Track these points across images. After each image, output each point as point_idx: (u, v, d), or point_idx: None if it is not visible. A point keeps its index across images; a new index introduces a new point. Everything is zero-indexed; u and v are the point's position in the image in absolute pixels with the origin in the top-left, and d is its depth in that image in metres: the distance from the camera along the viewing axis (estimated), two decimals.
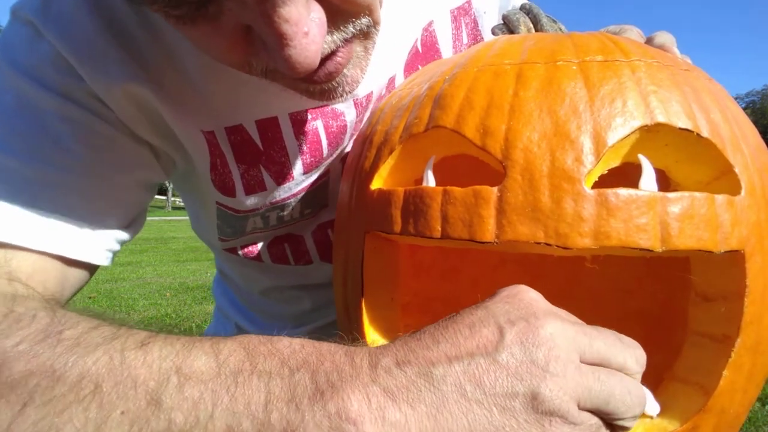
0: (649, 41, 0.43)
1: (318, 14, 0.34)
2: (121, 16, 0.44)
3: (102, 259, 0.47)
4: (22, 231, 0.41)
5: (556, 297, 0.55)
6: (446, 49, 0.60)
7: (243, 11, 0.33)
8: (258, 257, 0.63)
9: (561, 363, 0.27)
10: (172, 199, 31.40)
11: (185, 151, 0.52)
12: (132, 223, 0.52)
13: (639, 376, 0.30)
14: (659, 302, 0.49)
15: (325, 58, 0.37)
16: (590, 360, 0.28)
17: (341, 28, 0.37)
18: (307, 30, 0.32)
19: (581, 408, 0.27)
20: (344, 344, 0.31)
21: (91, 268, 0.47)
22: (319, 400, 0.26)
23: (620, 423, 0.28)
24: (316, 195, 0.58)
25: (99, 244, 0.46)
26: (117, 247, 0.49)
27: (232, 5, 0.32)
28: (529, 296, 0.31)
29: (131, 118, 0.46)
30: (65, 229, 0.43)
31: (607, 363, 0.29)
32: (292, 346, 0.29)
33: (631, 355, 0.30)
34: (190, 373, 0.27)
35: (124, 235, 0.50)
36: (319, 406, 0.26)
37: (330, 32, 0.36)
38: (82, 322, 0.32)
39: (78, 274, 0.46)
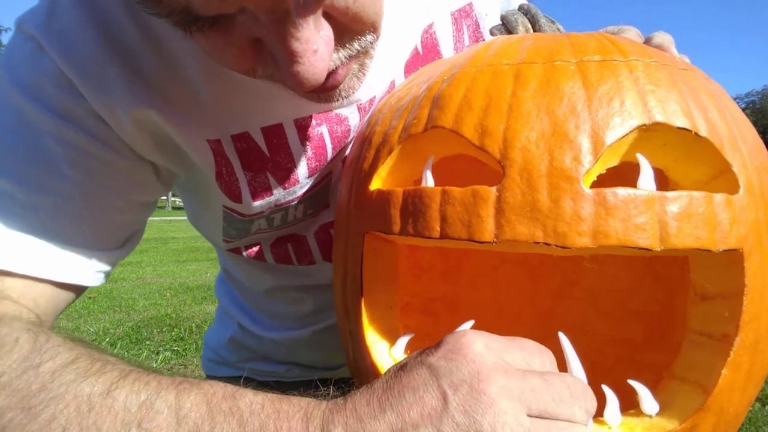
0: (647, 41, 0.43)
1: (327, 32, 0.35)
2: (124, 30, 0.44)
3: (93, 280, 0.48)
4: (13, 256, 0.42)
5: (556, 297, 0.55)
6: (447, 51, 0.60)
7: (255, 26, 0.34)
8: (262, 257, 0.63)
9: (508, 428, 0.27)
10: (173, 199, 31.39)
11: (191, 162, 0.52)
12: (127, 242, 0.52)
13: (588, 421, 0.30)
14: (658, 301, 0.49)
15: (327, 74, 0.38)
16: (538, 414, 0.28)
17: (347, 45, 0.38)
18: (316, 48, 0.34)
19: None
20: (307, 399, 0.31)
21: (83, 288, 0.48)
22: None
23: None
24: (318, 196, 0.58)
25: (90, 267, 0.47)
26: (109, 267, 0.50)
27: (244, 19, 0.33)
28: (473, 350, 0.29)
29: (133, 137, 0.46)
30: (56, 253, 0.44)
31: (555, 417, 0.28)
32: (253, 406, 0.30)
33: (580, 406, 0.29)
34: (150, 427, 0.29)
35: (117, 255, 0.50)
36: None
37: (336, 49, 0.37)
38: (60, 353, 0.34)
39: (69, 294, 0.47)
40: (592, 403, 0.30)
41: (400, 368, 0.31)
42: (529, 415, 0.28)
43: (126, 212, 0.50)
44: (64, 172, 0.44)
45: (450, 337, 0.31)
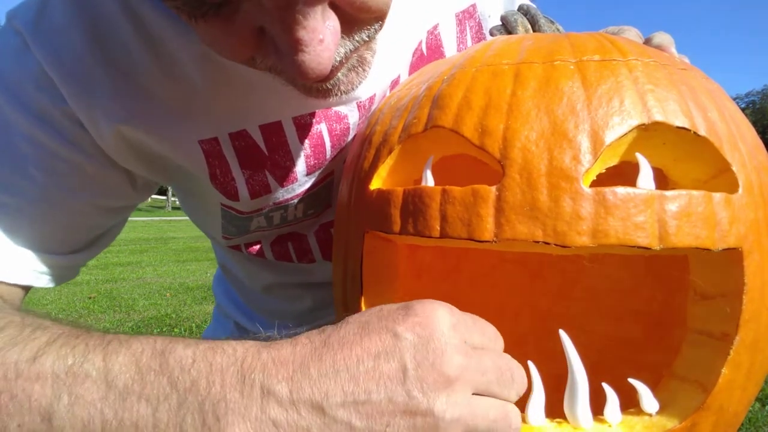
0: (647, 42, 0.43)
1: (333, 22, 0.34)
2: (117, 29, 0.43)
3: (42, 282, 0.47)
4: None
5: (556, 296, 0.56)
6: (451, 52, 0.60)
7: (259, 13, 0.33)
8: (262, 254, 0.63)
9: (458, 408, 0.28)
10: (172, 199, 31.32)
11: (179, 169, 0.52)
12: (92, 245, 0.52)
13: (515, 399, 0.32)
14: (658, 301, 0.49)
15: None
16: (482, 392, 0.30)
17: (353, 35, 0.37)
18: (322, 38, 0.33)
19: None
20: (247, 344, 0.30)
21: (28, 288, 0.47)
22: None
23: None
24: (320, 195, 0.58)
25: (38, 268, 0.47)
26: (66, 270, 0.50)
27: (248, 6, 0.33)
28: (441, 329, 0.30)
29: (112, 147, 0.46)
30: (7, 254, 0.44)
31: (494, 396, 0.31)
32: (183, 362, 0.29)
33: (515, 388, 0.32)
34: (80, 393, 0.29)
35: (80, 257, 0.50)
36: None
37: (342, 39, 0.36)
38: None
39: (19, 291, 0.46)
40: (524, 386, 0.33)
41: (361, 327, 0.30)
42: (474, 393, 0.30)
43: (91, 217, 0.50)
44: (30, 172, 0.44)
45: (419, 306, 0.31)
